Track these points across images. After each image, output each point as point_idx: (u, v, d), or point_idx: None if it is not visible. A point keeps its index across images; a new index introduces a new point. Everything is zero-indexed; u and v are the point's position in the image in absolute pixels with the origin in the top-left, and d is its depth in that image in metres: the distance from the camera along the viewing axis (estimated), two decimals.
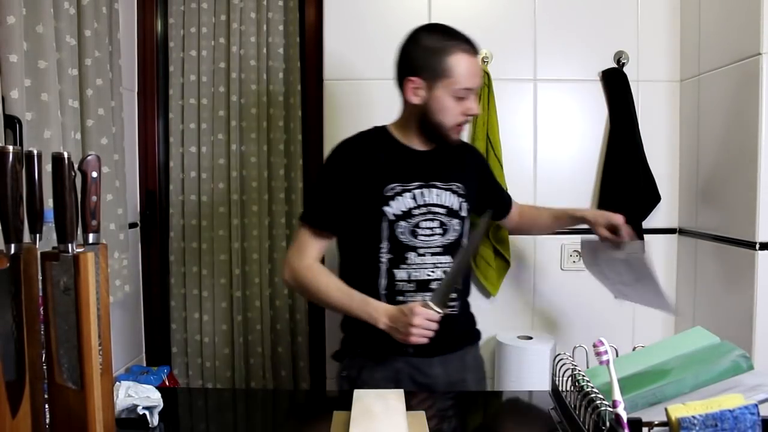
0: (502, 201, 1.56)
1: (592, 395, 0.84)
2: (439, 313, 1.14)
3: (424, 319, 1.13)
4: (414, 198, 1.29)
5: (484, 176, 1.51)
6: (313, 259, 1.31)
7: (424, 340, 1.15)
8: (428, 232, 1.30)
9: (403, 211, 1.28)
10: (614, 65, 1.92)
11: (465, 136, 1.72)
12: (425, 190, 1.30)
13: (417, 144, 1.35)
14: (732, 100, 1.64)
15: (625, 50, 1.92)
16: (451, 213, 1.32)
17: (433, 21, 1.90)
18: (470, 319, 1.46)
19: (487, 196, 1.49)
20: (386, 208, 1.28)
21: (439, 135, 1.31)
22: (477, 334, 1.47)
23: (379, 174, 1.30)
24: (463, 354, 1.39)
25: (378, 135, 1.37)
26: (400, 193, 1.29)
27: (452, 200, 1.33)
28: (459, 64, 1.24)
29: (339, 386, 1.38)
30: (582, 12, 1.92)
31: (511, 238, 1.87)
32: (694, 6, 1.84)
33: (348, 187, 1.30)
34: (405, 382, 1.30)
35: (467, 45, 1.27)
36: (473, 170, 1.44)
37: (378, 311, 1.21)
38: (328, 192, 1.33)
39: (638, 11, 1.92)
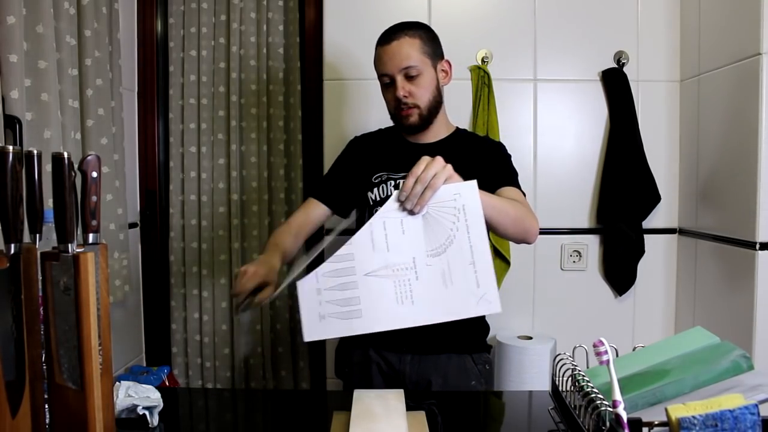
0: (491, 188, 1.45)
1: (592, 395, 0.84)
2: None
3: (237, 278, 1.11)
4: (397, 186, 1.33)
5: (490, 166, 1.40)
6: (293, 219, 1.41)
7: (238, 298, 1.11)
8: None
9: (381, 198, 1.35)
10: (614, 65, 1.92)
11: None
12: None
13: (416, 138, 1.41)
14: (732, 100, 1.64)
15: (625, 50, 1.92)
16: None
17: (433, 21, 1.93)
18: (463, 327, 1.37)
19: (487, 183, 1.36)
20: (369, 194, 1.37)
21: (397, 123, 1.40)
22: (469, 344, 1.40)
23: (373, 163, 1.40)
24: (443, 359, 1.36)
25: (388, 131, 1.48)
26: (384, 181, 1.37)
27: None
28: (375, 57, 1.36)
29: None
30: (582, 12, 1.92)
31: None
32: (694, 6, 1.84)
33: (348, 172, 1.43)
34: (374, 370, 1.38)
35: (381, 37, 1.35)
36: (479, 163, 1.37)
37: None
38: (331, 171, 1.49)
39: (638, 11, 1.93)
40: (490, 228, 1.19)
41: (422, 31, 1.35)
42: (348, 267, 0.94)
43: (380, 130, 1.51)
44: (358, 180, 1.40)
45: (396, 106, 1.33)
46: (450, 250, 0.95)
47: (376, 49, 1.36)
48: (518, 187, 1.37)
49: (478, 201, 0.96)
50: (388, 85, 1.34)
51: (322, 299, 0.93)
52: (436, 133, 1.40)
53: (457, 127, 1.46)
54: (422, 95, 1.32)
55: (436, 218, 0.96)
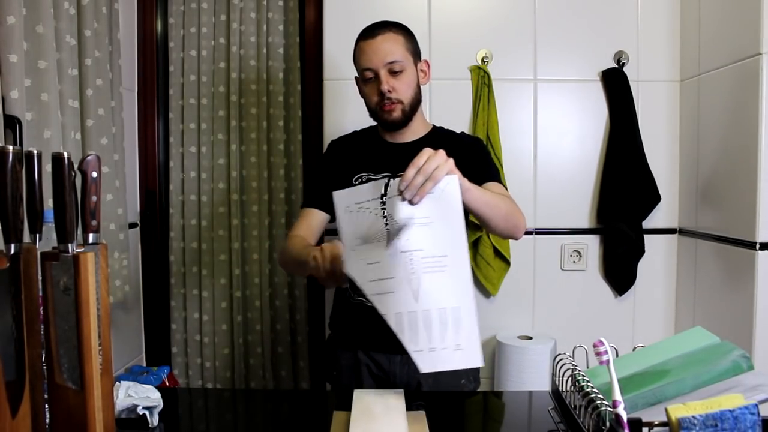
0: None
1: (592, 395, 0.84)
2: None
3: (320, 252, 1.05)
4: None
5: (472, 163, 1.37)
6: (297, 231, 1.38)
7: (330, 284, 1.06)
8: None
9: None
10: (614, 65, 1.92)
11: None
12: (392, 180, 1.31)
13: (394, 137, 1.40)
14: (732, 100, 1.64)
15: (625, 50, 1.92)
16: None
17: (433, 21, 1.93)
18: None
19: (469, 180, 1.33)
20: None
21: (378, 120, 1.39)
22: None
23: (353, 164, 1.39)
24: None
25: (366, 132, 1.48)
26: (365, 182, 1.35)
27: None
28: (357, 52, 1.35)
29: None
30: (582, 12, 1.92)
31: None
32: (694, 6, 1.84)
33: (330, 174, 1.41)
34: (364, 373, 1.37)
35: (364, 32, 1.35)
36: (459, 159, 1.34)
37: (313, 251, 1.13)
38: (315, 177, 1.49)
39: (638, 11, 1.93)
40: (482, 222, 1.19)
41: (404, 30, 1.37)
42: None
43: (356, 132, 1.51)
44: (340, 182, 1.37)
45: (379, 101, 1.33)
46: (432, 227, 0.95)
47: (357, 43, 1.35)
48: (501, 183, 1.38)
49: (458, 195, 0.96)
50: (370, 80, 1.33)
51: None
52: (415, 131, 1.40)
53: (434, 125, 1.46)
54: (405, 91, 1.33)
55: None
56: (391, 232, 0.95)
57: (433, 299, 0.93)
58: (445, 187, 0.95)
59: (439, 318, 0.93)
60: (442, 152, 0.97)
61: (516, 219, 1.24)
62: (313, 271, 1.07)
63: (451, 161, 0.98)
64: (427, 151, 0.97)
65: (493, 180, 1.35)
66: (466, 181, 1.07)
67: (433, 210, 0.94)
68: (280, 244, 2.09)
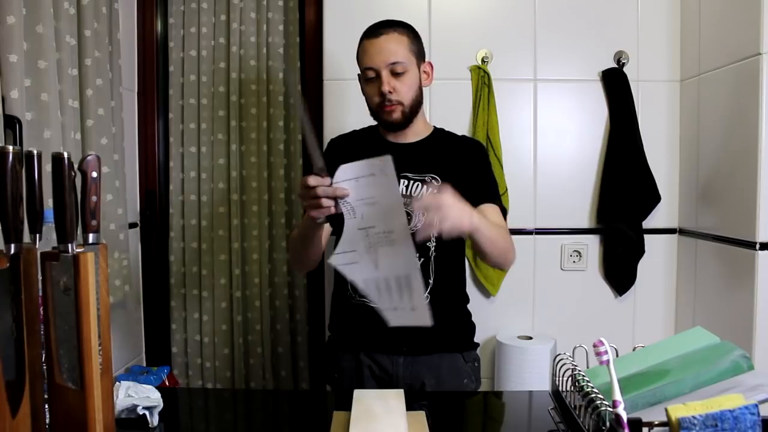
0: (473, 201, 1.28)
1: (592, 395, 0.84)
2: (318, 175, 1.09)
3: (304, 186, 1.09)
4: None
5: (472, 171, 1.39)
6: None
7: (321, 214, 1.10)
8: None
9: None
10: (614, 65, 1.92)
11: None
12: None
13: (396, 137, 1.39)
14: (732, 100, 1.64)
15: (625, 50, 1.92)
16: None
17: (433, 21, 1.93)
18: (453, 326, 1.41)
19: (468, 191, 1.27)
20: None
21: (378, 120, 1.38)
22: (459, 342, 1.41)
23: None
24: (435, 359, 1.35)
25: (367, 131, 1.47)
26: None
27: (421, 190, 1.34)
28: (360, 50, 1.35)
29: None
30: (582, 12, 1.92)
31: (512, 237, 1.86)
32: (694, 6, 1.84)
33: (331, 174, 1.38)
34: (366, 375, 1.37)
35: (369, 30, 1.35)
36: (460, 163, 1.37)
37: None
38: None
39: (638, 11, 1.93)
40: (477, 252, 1.26)
41: (409, 30, 1.36)
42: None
43: (355, 131, 1.49)
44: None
45: (379, 102, 1.32)
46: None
47: (361, 41, 1.34)
48: (500, 203, 1.39)
49: (394, 176, 1.04)
50: (371, 80, 1.32)
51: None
52: (417, 132, 1.40)
53: (435, 127, 1.46)
54: (406, 93, 1.32)
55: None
56: (347, 212, 1.08)
57: (388, 268, 1.06)
58: (383, 166, 1.04)
59: (396, 284, 1.07)
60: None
61: (508, 255, 1.33)
62: (309, 215, 1.14)
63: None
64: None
65: (491, 201, 1.35)
66: (475, 217, 1.12)
67: (377, 190, 1.06)
68: (281, 245, 2.10)
